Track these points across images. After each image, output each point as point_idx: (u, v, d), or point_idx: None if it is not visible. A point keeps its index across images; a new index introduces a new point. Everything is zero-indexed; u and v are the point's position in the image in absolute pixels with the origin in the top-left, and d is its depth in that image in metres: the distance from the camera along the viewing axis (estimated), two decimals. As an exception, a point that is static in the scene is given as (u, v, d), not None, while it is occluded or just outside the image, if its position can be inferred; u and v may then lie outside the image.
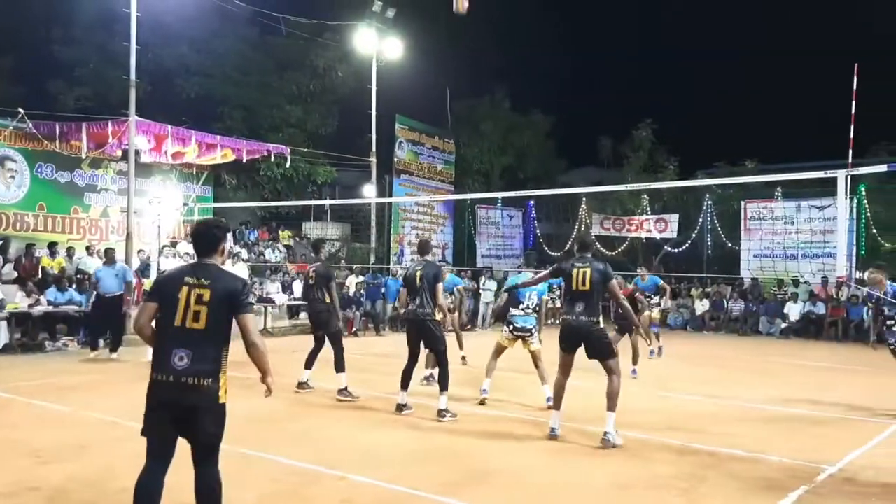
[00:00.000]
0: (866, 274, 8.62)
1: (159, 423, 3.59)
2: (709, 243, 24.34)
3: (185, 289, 3.63)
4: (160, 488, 3.61)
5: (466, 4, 10.18)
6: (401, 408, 7.57)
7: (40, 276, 13.82)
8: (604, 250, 25.23)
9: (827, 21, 33.30)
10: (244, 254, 18.62)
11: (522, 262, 7.64)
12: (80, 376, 9.84)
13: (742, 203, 22.90)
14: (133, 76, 15.09)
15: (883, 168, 6.82)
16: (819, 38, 33.74)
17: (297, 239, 22.63)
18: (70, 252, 15.08)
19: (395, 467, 5.57)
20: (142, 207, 16.17)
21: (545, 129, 29.05)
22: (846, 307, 18.72)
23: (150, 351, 3.76)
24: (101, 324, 12.02)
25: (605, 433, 6.34)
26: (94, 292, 12.10)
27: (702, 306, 21.18)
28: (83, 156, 16.04)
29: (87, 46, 20.80)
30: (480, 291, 20.04)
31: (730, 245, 23.26)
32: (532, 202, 26.31)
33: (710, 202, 23.76)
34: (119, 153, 16.35)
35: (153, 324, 3.72)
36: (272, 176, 21.51)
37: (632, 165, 26.08)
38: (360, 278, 17.73)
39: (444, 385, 7.41)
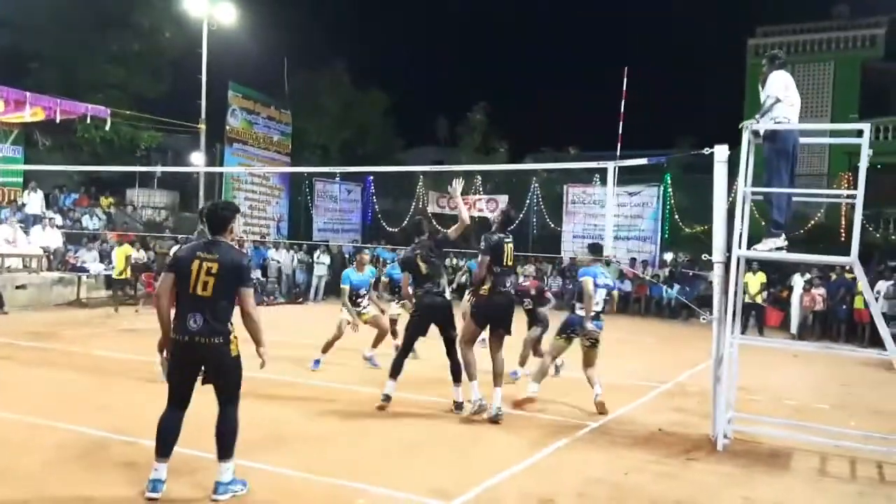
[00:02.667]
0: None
1: (180, 374, 4.36)
2: (534, 223, 25.91)
3: (196, 262, 4.28)
4: (179, 425, 4.38)
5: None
6: (389, 398, 6.93)
7: None
8: (439, 227, 26.06)
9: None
10: (58, 219, 17.50)
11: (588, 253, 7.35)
12: None
13: (564, 187, 24.59)
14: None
15: (643, 161, 7.81)
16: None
17: (121, 207, 21.53)
18: None
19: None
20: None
21: (385, 106, 29.41)
22: (649, 286, 20.79)
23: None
24: None
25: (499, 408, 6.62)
26: None
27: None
28: None
29: None
30: (314, 265, 20.19)
31: (552, 225, 24.91)
32: (371, 178, 26.65)
33: (536, 185, 25.25)
34: None
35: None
36: (90, 138, 20.23)
37: (466, 147, 27.11)
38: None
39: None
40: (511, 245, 6.98)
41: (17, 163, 18.06)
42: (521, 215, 25.51)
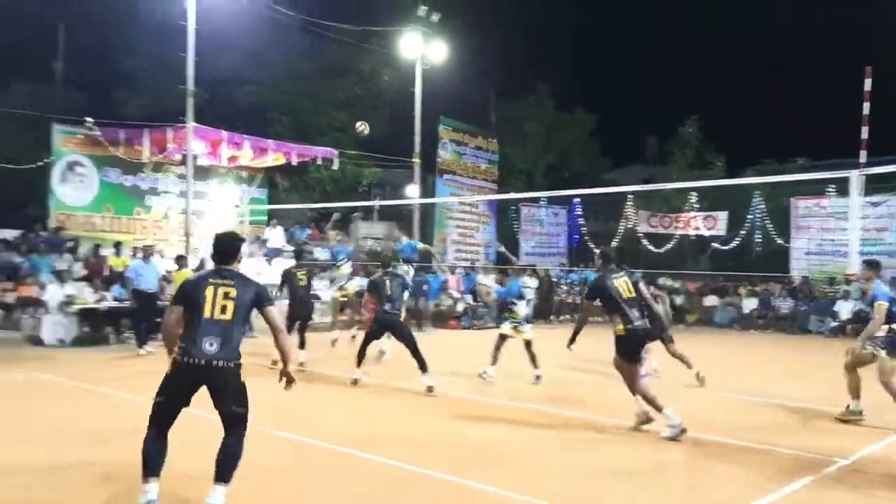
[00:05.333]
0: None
1: (177, 397, 4.26)
2: (757, 240, 24.07)
3: (210, 288, 4.29)
4: (166, 446, 4.27)
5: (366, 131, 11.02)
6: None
7: (107, 273, 14.80)
8: (651, 247, 25.24)
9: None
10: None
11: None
12: (138, 366, 10.64)
13: (791, 200, 22.61)
14: (191, 85, 16.01)
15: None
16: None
17: (346, 238, 23.38)
18: (135, 252, 16.05)
19: (407, 448, 6.03)
20: (200, 209, 17.11)
21: (589, 127, 29.12)
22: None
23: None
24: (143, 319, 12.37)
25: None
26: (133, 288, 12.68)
27: (749, 304, 21.03)
28: (145, 160, 17.06)
29: (147, 56, 21.97)
30: (522, 289, 20.32)
31: (779, 242, 22.98)
32: (577, 200, 26.46)
33: (759, 199, 23.50)
34: (178, 157, 17.27)
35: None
36: (321, 178, 22.30)
37: (678, 163, 25.96)
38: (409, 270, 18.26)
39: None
40: (624, 279, 6.93)
41: (262, 203, 20.38)
42: (743, 232, 23.91)
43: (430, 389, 8.43)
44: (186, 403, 4.32)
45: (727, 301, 21.55)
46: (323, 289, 17.94)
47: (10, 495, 4.64)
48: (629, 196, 24.87)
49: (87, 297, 13.52)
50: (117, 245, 15.89)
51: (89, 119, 16.21)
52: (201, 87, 17.00)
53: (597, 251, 7.80)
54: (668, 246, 25.40)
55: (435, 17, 21.85)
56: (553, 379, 9.42)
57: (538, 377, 9.43)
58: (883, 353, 7.21)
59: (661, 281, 24.04)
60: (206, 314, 4.24)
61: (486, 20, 27.37)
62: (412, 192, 23.24)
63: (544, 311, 21.45)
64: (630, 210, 25.74)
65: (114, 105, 21.59)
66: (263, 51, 22.86)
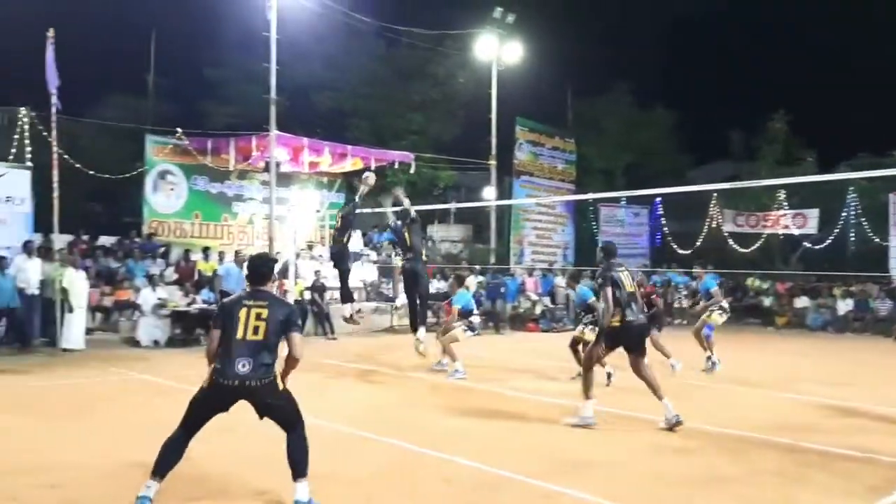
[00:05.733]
0: None
1: (207, 410, 4.51)
2: (852, 239, 22.89)
3: (244, 310, 4.46)
4: (183, 451, 4.50)
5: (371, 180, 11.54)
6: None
7: (196, 277, 15.41)
8: (737, 247, 24.39)
9: None
10: (373, 256, 19.68)
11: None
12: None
13: (890, 196, 21.40)
14: (273, 94, 16.50)
15: None
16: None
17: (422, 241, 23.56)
18: (221, 257, 16.64)
19: (496, 452, 5.99)
20: (283, 214, 17.59)
21: (670, 123, 28.36)
22: None
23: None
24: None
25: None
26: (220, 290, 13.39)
27: (845, 306, 20.01)
28: (231, 168, 17.70)
29: (232, 68, 22.77)
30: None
31: (876, 240, 21.78)
32: (659, 200, 25.80)
33: (853, 195, 22.34)
34: (262, 165, 17.82)
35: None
36: (397, 182, 22.51)
37: (765, 159, 24.98)
38: (481, 278, 18.26)
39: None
40: (626, 273, 7.24)
41: (341, 207, 20.75)
42: (836, 230, 22.78)
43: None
44: (223, 411, 4.54)
45: (820, 303, 20.58)
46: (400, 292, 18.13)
47: (108, 489, 4.85)
48: (714, 194, 24.14)
49: (179, 300, 14.09)
50: (205, 250, 16.53)
51: (179, 129, 16.94)
52: (282, 95, 17.49)
53: (599, 247, 7.86)
54: (756, 246, 24.51)
55: (510, 18, 21.78)
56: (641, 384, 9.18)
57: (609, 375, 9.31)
58: None
59: (749, 282, 23.21)
60: (239, 335, 4.40)
61: (562, 18, 27.04)
62: (488, 194, 23.22)
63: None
64: (715, 209, 24.97)
65: (202, 115, 22.49)
66: (341, 57, 23.34)
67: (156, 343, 13.29)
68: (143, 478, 4.66)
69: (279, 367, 4.56)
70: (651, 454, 6.13)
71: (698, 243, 24.73)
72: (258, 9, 16.64)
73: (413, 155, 19.48)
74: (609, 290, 7.00)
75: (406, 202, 10.72)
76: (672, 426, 6.81)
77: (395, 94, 23.70)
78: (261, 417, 4.52)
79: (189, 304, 13.99)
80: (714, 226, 24.98)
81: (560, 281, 20.25)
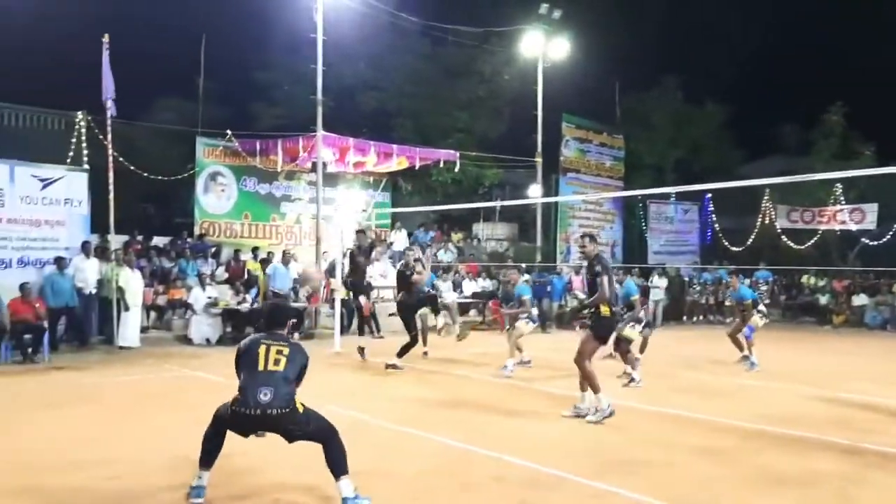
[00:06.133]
0: None
1: (231, 429, 4.63)
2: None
3: (263, 346, 4.61)
4: (221, 443, 4.65)
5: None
6: None
7: (246, 277, 15.67)
8: (791, 244, 23.75)
9: None
10: (418, 253, 19.72)
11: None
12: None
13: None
14: (319, 95, 16.68)
15: None
16: None
17: (468, 241, 23.54)
18: (269, 256, 16.88)
19: (546, 451, 5.92)
20: (329, 214, 17.78)
21: (721, 117, 27.72)
22: None
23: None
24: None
25: None
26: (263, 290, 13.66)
27: (905, 304, 19.31)
28: (279, 169, 17.96)
29: (280, 70, 23.08)
30: (650, 289, 19.66)
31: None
32: (709, 196, 25.26)
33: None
34: (309, 165, 18.04)
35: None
36: (443, 180, 22.55)
37: (821, 153, 24.23)
38: (527, 276, 18.13)
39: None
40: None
41: (386, 207, 20.88)
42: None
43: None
44: (243, 436, 4.67)
45: (879, 300, 19.90)
46: (446, 290, 18.16)
47: (163, 481, 4.96)
48: (766, 189, 23.55)
49: (229, 299, 14.35)
50: (255, 250, 16.79)
51: (229, 132, 17.27)
52: (328, 96, 17.66)
53: (584, 236, 7.78)
54: (811, 242, 23.82)
55: (556, 14, 21.57)
56: (696, 382, 9.01)
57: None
58: None
59: (805, 279, 22.57)
60: (261, 367, 4.52)
61: (609, 13, 26.67)
62: (534, 191, 23.06)
63: (675, 312, 20.65)
64: (767, 205, 24.36)
65: (251, 118, 22.86)
66: (386, 57, 23.44)
67: (207, 341, 13.56)
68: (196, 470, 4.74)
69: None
70: (704, 454, 6.00)
71: (750, 240, 24.16)
72: (305, 11, 16.86)
73: (458, 153, 19.47)
74: (606, 279, 7.06)
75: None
76: (595, 419, 6.92)
77: (441, 93, 23.71)
78: (290, 442, 4.60)
79: (239, 303, 14.23)
80: (767, 222, 24.37)
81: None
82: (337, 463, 4.51)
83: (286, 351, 4.60)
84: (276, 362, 4.53)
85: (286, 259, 14.62)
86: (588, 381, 7.07)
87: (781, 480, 5.30)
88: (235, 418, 4.50)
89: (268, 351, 4.57)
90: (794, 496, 4.99)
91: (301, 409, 4.53)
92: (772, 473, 5.46)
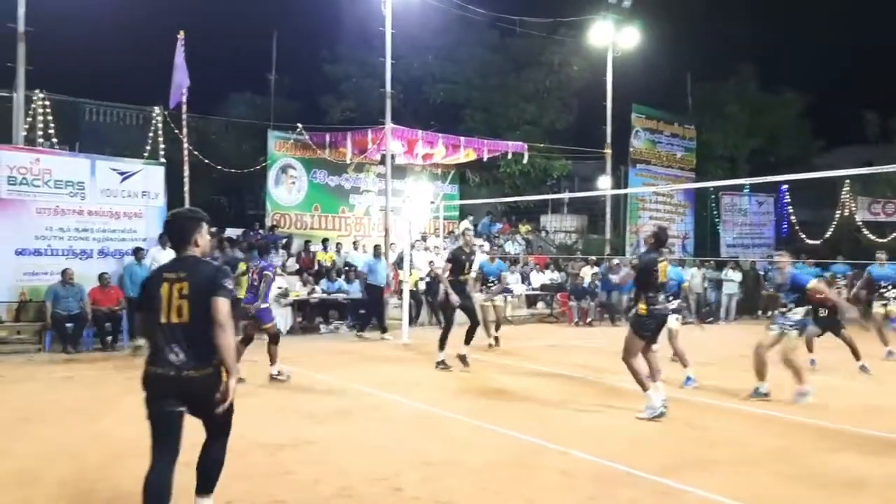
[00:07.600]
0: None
1: (164, 414, 3.58)
2: None
3: (165, 285, 3.59)
4: (170, 486, 3.54)
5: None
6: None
7: (316, 268, 16.01)
8: (872, 237, 22.70)
9: None
10: (486, 246, 19.75)
11: None
12: (347, 354, 11.39)
13: None
14: (388, 88, 16.85)
15: None
16: None
17: (536, 232, 23.41)
18: (338, 247, 17.19)
19: (616, 447, 5.87)
20: (398, 206, 17.97)
21: (799, 107, 26.65)
22: None
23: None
24: (370, 310, 14.01)
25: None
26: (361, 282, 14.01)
27: None
28: (348, 161, 18.24)
29: (349, 63, 23.43)
30: (724, 282, 19.18)
31: None
32: (785, 187, 24.36)
33: None
34: (378, 158, 18.27)
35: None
36: (511, 172, 22.48)
37: (905, 142, 23.07)
38: (596, 269, 17.92)
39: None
40: (665, 262, 7.04)
41: (454, 199, 20.96)
42: None
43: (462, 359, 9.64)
44: (191, 411, 3.77)
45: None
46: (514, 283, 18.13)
47: (234, 469, 5.13)
48: (846, 181, 22.55)
49: (299, 289, 14.69)
50: (324, 241, 17.12)
51: (299, 125, 17.64)
52: (397, 88, 17.82)
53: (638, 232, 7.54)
54: (894, 235, 22.70)
55: (626, 3, 21.15)
56: (771, 378, 8.73)
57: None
58: None
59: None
60: (164, 318, 3.65)
61: (681, 1, 25.94)
62: (603, 183, 22.73)
63: (749, 306, 20.03)
64: (847, 196, 23.33)
65: (321, 111, 23.30)
66: (454, 49, 23.50)
67: (279, 331, 13.89)
68: (266, 458, 4.87)
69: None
70: (782, 454, 5.83)
71: (829, 233, 23.20)
72: (374, 5, 17.05)
73: (526, 145, 19.37)
74: (633, 275, 6.99)
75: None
76: (653, 417, 6.75)
77: (509, 84, 23.62)
78: (196, 416, 3.71)
79: (309, 294, 14.55)
80: (846, 214, 23.36)
81: (683, 272, 19.54)
82: (215, 474, 3.82)
83: (186, 289, 3.54)
84: (179, 311, 3.54)
85: (377, 252, 14.76)
86: (635, 378, 6.97)
87: (865, 483, 5.10)
88: (151, 384, 3.60)
89: (170, 292, 3.56)
90: (871, 497, 4.82)
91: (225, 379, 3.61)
92: (855, 475, 5.27)
